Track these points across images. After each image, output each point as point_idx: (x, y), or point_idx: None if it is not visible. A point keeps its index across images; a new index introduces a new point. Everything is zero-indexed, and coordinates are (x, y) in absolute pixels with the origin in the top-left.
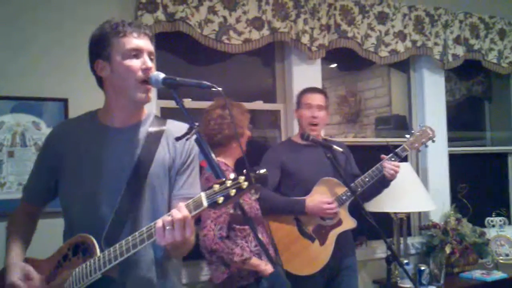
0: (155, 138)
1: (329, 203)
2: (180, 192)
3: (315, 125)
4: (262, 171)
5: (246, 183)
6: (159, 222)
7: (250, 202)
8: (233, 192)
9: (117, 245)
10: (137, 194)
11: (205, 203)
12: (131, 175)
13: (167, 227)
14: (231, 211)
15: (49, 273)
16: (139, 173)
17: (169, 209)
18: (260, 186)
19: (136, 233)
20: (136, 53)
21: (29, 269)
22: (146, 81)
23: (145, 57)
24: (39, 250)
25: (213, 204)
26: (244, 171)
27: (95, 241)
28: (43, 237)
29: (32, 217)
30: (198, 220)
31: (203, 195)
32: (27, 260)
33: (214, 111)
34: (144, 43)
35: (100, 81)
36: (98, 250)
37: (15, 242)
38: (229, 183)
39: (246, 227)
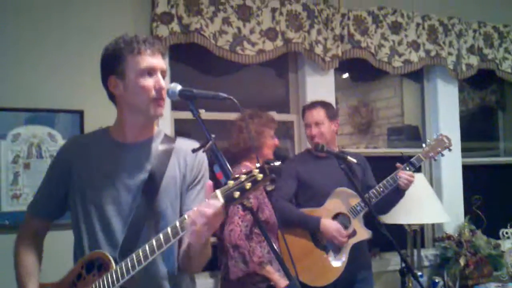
0: (165, 155)
1: (342, 236)
2: (192, 207)
3: (316, 141)
4: (276, 163)
5: (260, 175)
6: (188, 226)
7: (271, 209)
8: (248, 185)
9: (133, 255)
10: (149, 209)
11: (221, 199)
12: (143, 189)
13: (205, 228)
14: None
15: None
16: (151, 188)
17: None
18: (275, 177)
19: (153, 240)
20: (150, 71)
21: None
22: (159, 99)
23: (159, 75)
24: (44, 263)
25: (230, 200)
26: (258, 164)
27: (110, 256)
28: (49, 250)
29: (39, 236)
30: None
31: (218, 192)
32: (42, 287)
33: (236, 123)
34: (158, 61)
35: (112, 96)
36: (113, 264)
37: (29, 270)
38: (243, 177)
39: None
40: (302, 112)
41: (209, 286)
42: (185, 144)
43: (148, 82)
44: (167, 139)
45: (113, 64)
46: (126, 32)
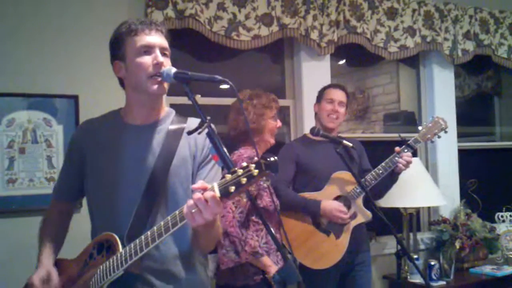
0: (176, 135)
1: (344, 213)
2: None
3: (335, 118)
4: (272, 158)
5: (256, 171)
6: (185, 208)
7: (271, 196)
8: (244, 180)
9: (137, 241)
10: (158, 190)
11: (218, 193)
12: (153, 171)
13: (193, 210)
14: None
15: (77, 273)
16: (160, 169)
17: None
18: (271, 173)
19: (154, 227)
20: (147, 49)
21: (51, 272)
22: (157, 75)
23: (157, 52)
24: (66, 244)
25: (226, 194)
26: (255, 159)
27: (117, 238)
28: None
29: (64, 216)
30: None
31: (215, 185)
32: (57, 262)
33: (234, 106)
34: (155, 39)
35: (122, 82)
36: (120, 247)
37: (46, 244)
38: (240, 171)
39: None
40: (325, 88)
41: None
42: (196, 124)
43: (145, 59)
44: (178, 119)
45: (115, 49)
46: (130, 18)
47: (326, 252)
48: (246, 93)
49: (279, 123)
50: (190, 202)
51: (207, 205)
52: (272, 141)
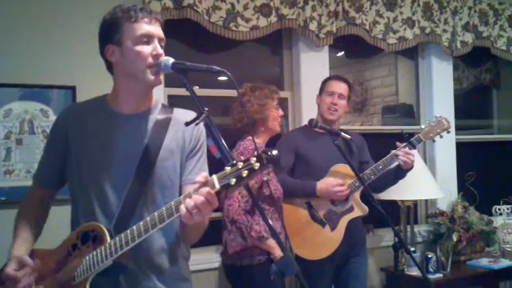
0: (163, 126)
1: (339, 186)
2: (189, 178)
3: (334, 110)
4: (274, 152)
5: (257, 164)
6: (183, 209)
7: (276, 183)
8: (245, 173)
9: (128, 231)
10: (146, 180)
11: (217, 185)
12: (140, 162)
13: (193, 211)
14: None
15: (59, 262)
16: (147, 160)
17: (180, 194)
18: (272, 166)
19: (148, 218)
20: (147, 39)
21: (23, 258)
22: (155, 65)
23: (156, 43)
24: (47, 238)
25: (226, 186)
26: (256, 152)
27: (104, 228)
28: (51, 225)
29: (43, 203)
30: None
31: (215, 177)
32: (33, 252)
33: (237, 99)
34: (155, 29)
35: (110, 66)
36: (108, 237)
37: (21, 234)
38: (240, 164)
39: (268, 207)
40: (326, 80)
41: (214, 261)
42: (183, 115)
43: (145, 49)
44: (165, 110)
45: (110, 32)
46: (124, 2)
47: (321, 243)
48: (247, 86)
49: (281, 112)
50: (191, 203)
51: (208, 204)
52: (278, 129)
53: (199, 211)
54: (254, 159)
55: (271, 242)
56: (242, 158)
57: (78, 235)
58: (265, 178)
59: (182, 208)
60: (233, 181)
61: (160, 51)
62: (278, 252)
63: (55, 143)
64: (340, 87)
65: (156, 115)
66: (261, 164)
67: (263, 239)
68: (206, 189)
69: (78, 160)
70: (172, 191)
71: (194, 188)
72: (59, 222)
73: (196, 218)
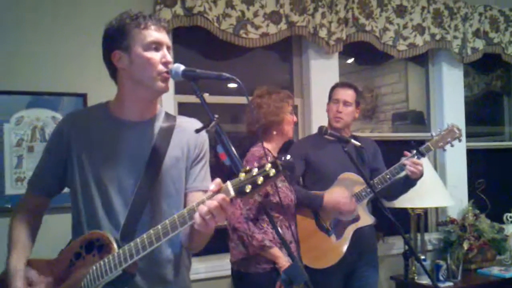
0: (167, 134)
1: (346, 199)
2: (194, 185)
3: (339, 118)
4: (288, 157)
5: (273, 171)
6: (197, 217)
7: (285, 191)
8: (260, 180)
9: (138, 240)
10: (151, 189)
11: (232, 192)
12: (145, 170)
13: (207, 217)
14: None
15: (61, 273)
16: (152, 168)
17: (185, 202)
18: (288, 173)
19: (159, 226)
20: (156, 46)
21: (32, 274)
22: (165, 72)
23: (165, 50)
24: (42, 247)
25: (241, 193)
26: (270, 158)
27: (111, 237)
28: (48, 234)
29: (37, 213)
30: None
31: (229, 184)
32: (31, 262)
33: (253, 101)
34: (164, 36)
35: (114, 73)
36: (115, 246)
37: (18, 244)
38: (255, 171)
39: (277, 215)
40: (332, 88)
41: (218, 269)
42: (186, 122)
43: (155, 56)
44: (168, 118)
45: (118, 38)
46: (130, 8)
47: (325, 252)
48: (264, 89)
49: (295, 118)
50: (204, 209)
51: (221, 210)
52: (291, 134)
53: (213, 217)
54: (269, 165)
55: (275, 251)
56: (256, 164)
57: (81, 244)
58: (279, 185)
59: (197, 216)
60: (248, 188)
61: (170, 58)
62: (282, 262)
63: (57, 150)
64: (344, 94)
65: (160, 123)
66: (277, 171)
67: (265, 248)
68: (221, 196)
69: (82, 169)
70: (176, 199)
71: (207, 195)
72: (55, 231)
73: (210, 225)
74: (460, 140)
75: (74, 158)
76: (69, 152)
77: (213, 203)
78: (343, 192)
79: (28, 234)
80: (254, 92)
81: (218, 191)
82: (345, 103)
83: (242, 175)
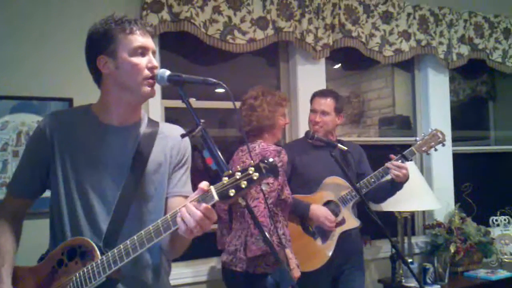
0: (150, 139)
1: (330, 221)
2: (175, 190)
3: (319, 127)
4: (271, 160)
5: (257, 174)
6: (182, 227)
7: (288, 188)
8: (244, 183)
9: (121, 246)
10: (133, 194)
11: (216, 197)
12: (127, 175)
13: (195, 230)
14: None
15: (44, 280)
16: (135, 173)
17: (165, 206)
18: (271, 176)
19: (142, 232)
20: (142, 51)
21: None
22: (151, 77)
23: (151, 55)
24: (20, 253)
25: (225, 197)
26: (252, 162)
27: (93, 244)
28: (27, 239)
29: (19, 217)
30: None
31: (212, 188)
32: (14, 270)
33: (246, 102)
34: (149, 41)
35: (98, 77)
36: (98, 253)
37: (3, 254)
38: (238, 175)
39: (282, 215)
40: (312, 97)
41: (204, 273)
42: (169, 128)
43: (141, 61)
44: (151, 123)
45: (103, 43)
46: (114, 12)
47: (312, 255)
48: (259, 90)
49: (287, 120)
50: (192, 224)
51: (208, 220)
52: (280, 136)
53: (200, 228)
54: (253, 169)
55: (289, 253)
56: (239, 168)
57: (63, 250)
58: (264, 188)
59: (181, 223)
60: (232, 192)
61: (156, 63)
62: (293, 264)
63: (38, 151)
64: (322, 104)
65: (144, 128)
66: (260, 174)
67: (281, 246)
68: (204, 205)
69: (65, 172)
70: (159, 204)
71: (195, 196)
72: (36, 236)
73: (196, 232)
74: (443, 145)
75: (58, 161)
76: (52, 153)
77: (197, 213)
78: (328, 213)
79: (12, 241)
80: (248, 91)
81: (206, 192)
82: (323, 113)
83: (225, 179)
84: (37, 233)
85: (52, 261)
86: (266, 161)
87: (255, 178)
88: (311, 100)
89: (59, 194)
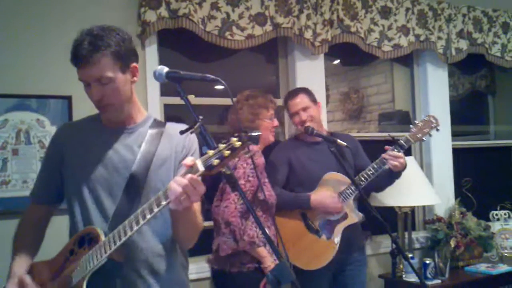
0: (155, 138)
1: (332, 198)
2: None
3: (309, 121)
4: (255, 133)
5: (238, 143)
6: (171, 196)
7: (270, 188)
8: (227, 153)
9: (120, 226)
10: (138, 189)
11: (201, 168)
12: (133, 171)
13: (182, 198)
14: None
15: (57, 270)
16: (140, 169)
17: None
18: (252, 143)
19: (138, 210)
20: (85, 83)
21: (24, 278)
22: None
23: (94, 85)
24: (47, 248)
25: (209, 167)
26: (236, 134)
27: (98, 229)
28: (51, 235)
29: (42, 221)
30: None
31: (198, 161)
32: (32, 266)
33: (233, 106)
34: (88, 71)
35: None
36: (103, 237)
37: (20, 252)
38: (222, 146)
39: (261, 213)
40: (285, 103)
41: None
42: (175, 127)
43: (88, 93)
44: (157, 123)
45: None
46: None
47: (318, 253)
48: (244, 94)
49: (275, 123)
50: (178, 190)
51: (195, 189)
52: (271, 138)
53: (187, 197)
54: (235, 139)
55: (263, 251)
56: (223, 141)
57: (75, 241)
58: (246, 155)
59: (170, 194)
60: (216, 162)
61: (96, 96)
62: (268, 262)
63: (52, 159)
64: (298, 103)
65: (147, 128)
66: (242, 142)
67: (254, 245)
68: (189, 175)
69: (75, 175)
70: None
71: (181, 172)
72: (59, 232)
73: (184, 203)
74: (438, 130)
75: (68, 166)
76: (62, 160)
77: (183, 181)
78: (329, 192)
79: (30, 245)
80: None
81: (191, 166)
82: (304, 110)
83: (210, 152)
84: (59, 229)
85: (66, 252)
86: (249, 133)
87: (237, 145)
88: (287, 107)
89: (70, 195)
